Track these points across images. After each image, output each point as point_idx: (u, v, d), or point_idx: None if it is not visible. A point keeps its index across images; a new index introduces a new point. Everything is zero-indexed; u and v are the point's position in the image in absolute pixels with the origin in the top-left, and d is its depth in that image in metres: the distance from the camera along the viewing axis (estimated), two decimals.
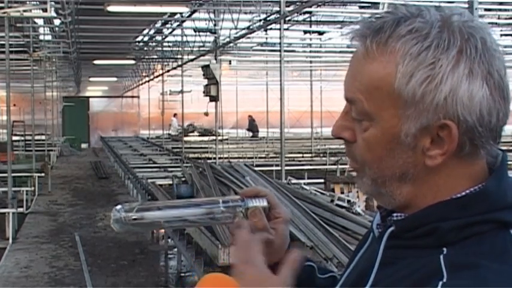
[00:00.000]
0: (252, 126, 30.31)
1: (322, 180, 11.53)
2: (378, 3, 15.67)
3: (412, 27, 0.89)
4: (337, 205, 7.43)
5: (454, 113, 0.88)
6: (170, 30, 20.62)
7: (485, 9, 16.17)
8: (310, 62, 25.53)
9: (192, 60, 19.51)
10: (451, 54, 0.88)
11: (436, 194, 0.92)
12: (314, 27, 21.28)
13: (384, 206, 0.98)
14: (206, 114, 20.04)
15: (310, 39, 22.71)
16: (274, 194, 1.17)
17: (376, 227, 1.02)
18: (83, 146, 31.98)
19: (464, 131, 0.88)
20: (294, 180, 10.20)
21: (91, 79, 32.97)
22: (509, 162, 1.00)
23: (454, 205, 0.90)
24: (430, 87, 0.88)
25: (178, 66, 21.43)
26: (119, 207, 1.12)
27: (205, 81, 14.74)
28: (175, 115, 29.24)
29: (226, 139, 23.02)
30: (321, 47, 23.38)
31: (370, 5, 18.34)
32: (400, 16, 0.91)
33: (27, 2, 12.46)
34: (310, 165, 17.05)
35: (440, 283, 0.83)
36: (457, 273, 0.84)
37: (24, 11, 11.20)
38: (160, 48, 23.43)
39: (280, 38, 10.92)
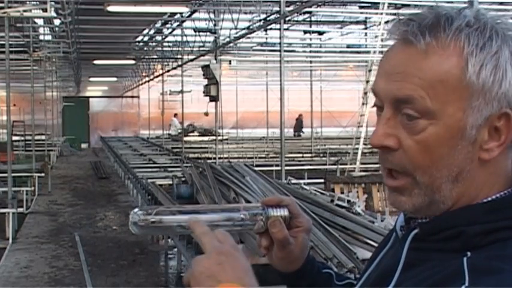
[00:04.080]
0: (300, 126, 29.95)
1: (322, 180, 11.53)
2: (378, 3, 15.66)
3: (468, 21, 0.90)
4: (337, 205, 7.43)
5: None
6: (170, 30, 20.62)
7: (485, 9, 16.16)
8: (310, 62, 25.53)
9: (192, 60, 19.52)
10: (509, 43, 0.90)
11: (480, 192, 0.91)
12: (314, 27, 21.30)
13: (430, 216, 0.95)
14: (206, 114, 20.04)
15: (310, 39, 22.73)
16: (296, 203, 1.15)
17: (400, 228, 1.01)
18: (83, 146, 31.98)
19: None
20: (294, 180, 10.20)
21: (91, 79, 32.97)
22: None
23: (480, 209, 0.90)
24: (498, 76, 0.89)
25: (178, 66, 21.43)
26: (137, 210, 1.10)
27: (205, 81, 14.75)
28: (175, 115, 29.24)
29: (226, 139, 23.02)
30: (321, 47, 23.39)
31: (370, 5, 18.34)
32: (444, 13, 0.92)
33: (27, 2, 12.45)
34: (310, 165, 17.05)
35: (463, 287, 0.83)
36: (480, 277, 0.83)
37: (24, 11, 11.20)
38: (160, 48, 23.43)
39: (280, 38, 10.92)
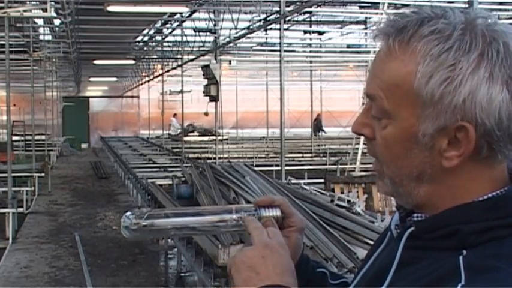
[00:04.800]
0: (319, 126, 29.78)
1: (322, 180, 11.53)
2: (378, 3, 15.66)
3: (435, 28, 0.90)
4: (337, 205, 7.43)
5: (472, 115, 0.88)
6: (170, 30, 20.62)
7: (485, 9, 16.17)
8: (310, 62, 25.54)
9: (192, 60, 19.52)
10: (472, 56, 0.88)
11: (455, 195, 0.92)
12: (314, 27, 21.30)
13: (403, 206, 0.99)
14: (206, 114, 20.03)
15: (310, 39, 22.74)
16: (288, 202, 1.15)
17: (395, 227, 1.02)
18: (83, 146, 31.98)
19: (482, 134, 0.89)
20: (294, 180, 10.20)
21: (91, 79, 32.97)
22: None
23: (476, 208, 0.91)
24: (449, 89, 0.88)
25: (178, 66, 21.44)
26: (129, 213, 1.10)
27: (205, 81, 14.74)
28: (175, 115, 29.24)
29: (226, 139, 23.02)
30: (320, 47, 23.40)
31: (370, 5, 18.34)
32: (424, 16, 0.92)
33: (27, 2, 12.45)
34: (310, 165, 17.05)
35: (459, 285, 0.83)
36: (476, 275, 0.84)
37: (24, 11, 11.20)
38: (160, 48, 23.44)
39: (280, 38, 10.92)
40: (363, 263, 1.08)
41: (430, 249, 0.91)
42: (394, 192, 0.97)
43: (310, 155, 20.68)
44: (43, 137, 20.81)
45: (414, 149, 0.92)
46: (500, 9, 16.58)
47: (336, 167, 15.46)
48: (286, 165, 11.33)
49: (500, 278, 0.83)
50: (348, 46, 23.92)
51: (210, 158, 15.75)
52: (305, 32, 21.86)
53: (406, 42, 0.91)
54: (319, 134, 28.50)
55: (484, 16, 0.91)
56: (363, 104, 14.63)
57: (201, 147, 21.92)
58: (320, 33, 22.11)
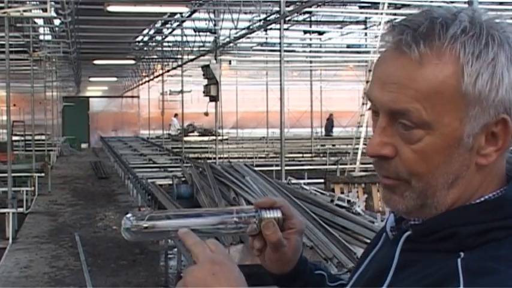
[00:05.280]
0: (331, 126, 29.76)
1: (322, 180, 11.53)
2: (378, 3, 15.66)
3: (463, 27, 0.88)
4: (337, 205, 7.43)
5: (509, 105, 0.88)
6: (170, 30, 20.63)
7: (485, 9, 16.16)
8: (310, 62, 25.54)
9: (192, 60, 19.52)
10: (505, 48, 0.88)
11: (475, 193, 0.91)
12: (314, 27, 21.31)
13: (417, 218, 0.95)
14: (206, 114, 20.04)
15: (310, 39, 22.74)
16: (289, 204, 1.14)
17: (390, 229, 1.00)
18: (83, 146, 31.98)
19: None
20: (294, 180, 10.20)
21: (91, 79, 32.98)
22: None
23: (473, 210, 0.90)
24: (494, 84, 0.87)
25: (178, 66, 21.44)
26: (129, 215, 1.09)
27: (205, 81, 14.74)
28: (176, 115, 29.24)
29: (226, 139, 23.02)
30: (320, 47, 23.40)
31: (370, 5, 18.35)
32: (439, 18, 0.89)
33: (27, 2, 12.45)
34: (310, 165, 17.05)
35: None
36: (475, 278, 0.83)
37: (24, 11, 11.20)
38: (160, 48, 23.44)
39: (280, 38, 10.92)
40: (358, 264, 1.07)
41: (427, 251, 0.90)
42: (419, 205, 0.92)
43: (310, 155, 20.68)
44: (43, 137, 20.81)
45: (456, 153, 0.89)
46: (500, 9, 16.58)
47: (336, 167, 15.46)
48: (286, 165, 11.33)
49: (499, 280, 0.82)
50: (348, 46, 23.93)
51: (210, 158, 15.76)
52: (305, 32, 21.86)
53: (440, 46, 0.87)
54: (332, 134, 28.55)
55: (475, 10, 0.92)
56: (363, 104, 14.63)
57: (201, 147, 21.92)
58: (320, 33, 22.12)
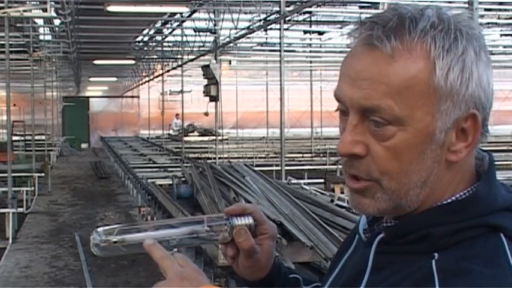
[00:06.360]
0: None
1: (322, 180, 11.53)
2: (378, 3, 15.65)
3: (432, 22, 0.87)
4: (337, 205, 7.44)
5: (478, 101, 0.88)
6: (170, 30, 20.62)
7: (485, 9, 16.16)
8: (310, 62, 25.52)
9: (192, 60, 19.51)
10: (473, 43, 0.88)
11: (446, 191, 0.90)
12: (314, 27, 21.28)
13: (389, 218, 0.94)
14: (206, 114, 20.03)
15: (310, 39, 22.71)
16: (260, 210, 1.14)
17: (363, 231, 0.99)
18: (83, 146, 31.99)
19: (483, 120, 0.88)
20: (294, 180, 10.21)
21: (91, 79, 32.96)
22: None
23: (445, 210, 0.89)
24: (465, 78, 0.87)
25: (178, 66, 21.44)
26: (99, 229, 1.07)
27: (205, 81, 14.74)
28: (177, 115, 29.20)
29: (226, 139, 23.02)
30: (320, 47, 23.38)
31: (370, 5, 18.33)
32: (408, 14, 0.89)
33: (27, 2, 12.45)
34: (310, 165, 17.04)
35: None
36: (450, 279, 0.83)
37: (24, 11, 11.20)
38: (160, 48, 23.43)
39: (280, 38, 10.92)
40: (331, 266, 1.06)
41: (402, 253, 0.90)
42: (392, 206, 0.90)
43: (310, 155, 20.67)
44: (43, 137, 20.81)
45: (428, 149, 0.88)
46: (500, 9, 16.57)
47: (336, 167, 15.44)
48: (286, 165, 11.33)
49: (474, 279, 0.82)
50: (348, 46, 23.89)
51: (210, 158, 15.75)
52: (305, 32, 21.83)
53: (410, 40, 0.87)
54: None
55: (441, 8, 0.91)
56: None
57: (201, 147, 21.91)
58: (320, 33, 22.09)
